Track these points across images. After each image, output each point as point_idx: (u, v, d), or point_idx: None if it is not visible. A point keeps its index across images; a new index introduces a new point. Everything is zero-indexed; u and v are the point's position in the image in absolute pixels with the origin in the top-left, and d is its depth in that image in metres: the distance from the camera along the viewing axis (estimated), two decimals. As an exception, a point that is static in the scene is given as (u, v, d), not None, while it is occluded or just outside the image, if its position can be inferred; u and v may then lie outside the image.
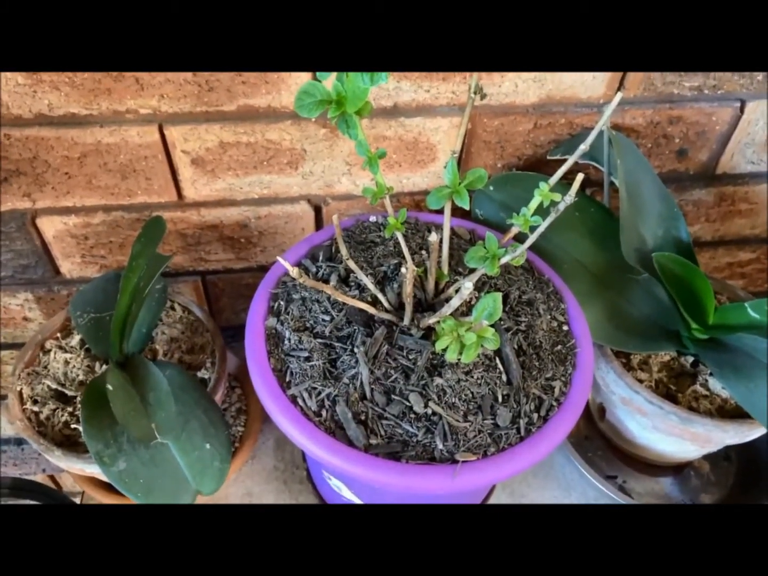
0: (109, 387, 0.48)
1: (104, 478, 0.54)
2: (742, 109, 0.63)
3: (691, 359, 0.61)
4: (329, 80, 0.40)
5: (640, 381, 0.58)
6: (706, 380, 0.59)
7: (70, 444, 0.53)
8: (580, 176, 0.40)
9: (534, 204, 0.44)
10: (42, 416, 0.55)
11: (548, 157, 0.63)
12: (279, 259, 0.39)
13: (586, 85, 0.59)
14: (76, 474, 0.62)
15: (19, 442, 0.95)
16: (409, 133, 0.61)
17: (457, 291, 0.46)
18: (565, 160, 0.42)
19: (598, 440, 0.69)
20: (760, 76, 0.61)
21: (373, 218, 0.58)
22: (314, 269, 0.53)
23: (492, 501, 0.63)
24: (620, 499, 0.62)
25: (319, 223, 0.68)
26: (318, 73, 0.40)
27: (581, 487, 0.66)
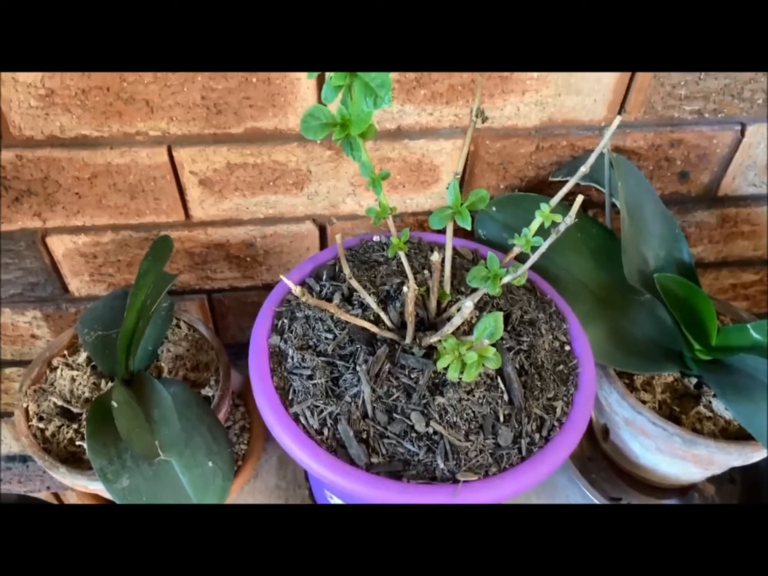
0: (114, 404, 0.48)
1: (108, 495, 0.55)
2: (742, 133, 0.64)
3: (694, 380, 0.61)
4: (334, 104, 0.40)
5: (644, 402, 0.58)
6: (710, 402, 0.59)
7: (75, 461, 0.54)
8: (579, 198, 0.41)
9: (535, 225, 0.45)
10: (47, 433, 0.55)
11: (550, 179, 0.64)
12: (282, 277, 0.40)
13: (588, 108, 0.60)
14: (80, 491, 0.62)
15: (24, 459, 0.95)
16: (412, 155, 0.62)
17: (458, 310, 0.46)
18: (566, 182, 0.43)
19: (602, 461, 0.69)
20: (760, 99, 0.62)
21: (376, 238, 0.59)
22: (318, 288, 0.53)
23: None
24: (624, 521, 0.61)
25: (323, 243, 0.69)
26: (323, 97, 0.41)
27: (585, 508, 0.66)
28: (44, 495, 0.98)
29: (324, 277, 0.54)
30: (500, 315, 0.41)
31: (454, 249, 0.59)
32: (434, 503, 0.41)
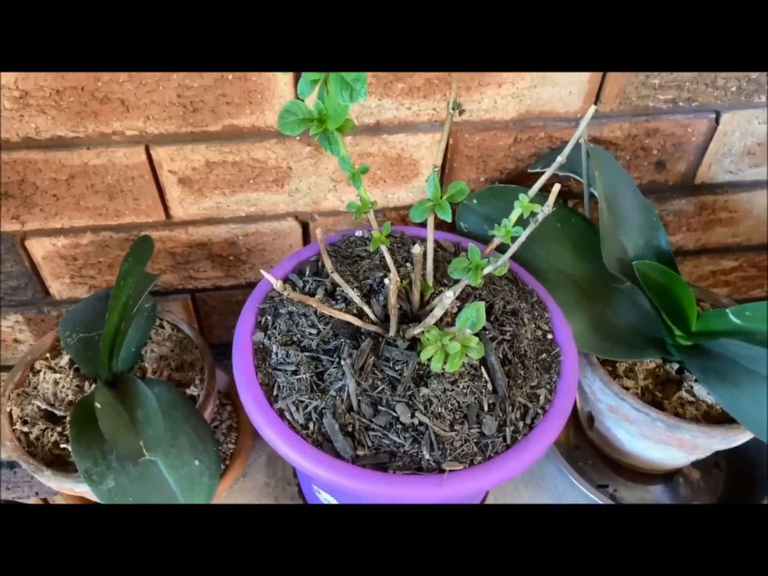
0: (98, 405, 0.48)
1: (94, 497, 0.54)
2: (717, 121, 0.65)
3: (676, 366, 0.62)
4: (311, 99, 0.40)
5: (627, 388, 0.59)
6: (692, 387, 0.60)
7: (60, 464, 0.53)
8: (556, 187, 0.41)
9: (514, 215, 0.45)
10: (32, 436, 0.55)
11: (529, 171, 0.64)
12: (263, 273, 0.40)
13: (564, 99, 0.61)
14: (67, 495, 0.62)
15: (11, 465, 0.94)
16: (392, 150, 0.62)
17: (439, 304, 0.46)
18: (545, 173, 0.43)
19: (588, 449, 0.70)
20: (733, 87, 0.63)
21: (359, 233, 0.59)
22: (301, 284, 0.53)
23: (483, 512, 0.63)
24: (611, 507, 0.62)
25: (306, 239, 0.69)
26: (299, 92, 0.41)
27: (572, 497, 0.66)
28: (33, 501, 0.97)
29: (307, 273, 0.54)
30: (482, 305, 0.41)
31: (437, 242, 0.59)
32: (421, 494, 0.41)
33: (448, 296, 0.39)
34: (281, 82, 0.55)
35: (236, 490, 0.66)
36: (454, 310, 0.50)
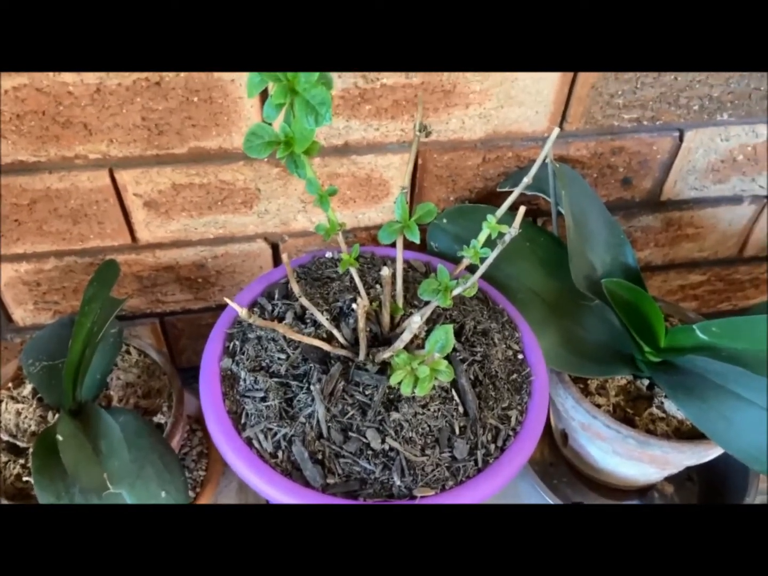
0: (59, 437, 0.46)
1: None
2: (681, 138, 0.66)
3: (646, 382, 0.62)
4: (277, 122, 0.40)
5: (598, 406, 0.59)
6: (662, 402, 0.60)
7: (23, 497, 0.52)
8: (522, 209, 0.41)
9: (483, 236, 0.45)
10: (-8, 470, 0.53)
11: (498, 189, 0.65)
12: (228, 301, 0.39)
13: (530, 119, 0.61)
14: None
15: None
16: (361, 170, 0.62)
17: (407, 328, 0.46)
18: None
19: (563, 467, 0.70)
20: (696, 106, 0.64)
21: (329, 254, 0.58)
22: (270, 307, 0.53)
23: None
24: (586, 525, 0.62)
25: (277, 260, 0.68)
26: (265, 116, 0.41)
27: (548, 514, 0.66)
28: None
29: (276, 296, 0.54)
30: (450, 328, 0.41)
31: (407, 262, 0.59)
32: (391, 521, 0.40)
33: (416, 321, 0.39)
34: (248, 104, 0.55)
35: (207, 518, 0.64)
36: (424, 333, 0.50)
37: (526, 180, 0.43)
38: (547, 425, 0.71)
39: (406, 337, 0.42)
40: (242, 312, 0.39)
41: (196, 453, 0.67)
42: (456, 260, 0.58)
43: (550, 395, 0.59)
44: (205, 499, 0.63)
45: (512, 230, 0.42)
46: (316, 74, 0.38)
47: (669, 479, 0.69)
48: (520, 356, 0.52)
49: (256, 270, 0.69)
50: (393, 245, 0.51)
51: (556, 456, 0.71)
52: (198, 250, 0.65)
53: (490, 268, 0.44)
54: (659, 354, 0.59)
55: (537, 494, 0.66)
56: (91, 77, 0.50)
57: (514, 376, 0.50)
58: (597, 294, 0.57)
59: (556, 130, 0.41)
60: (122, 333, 0.60)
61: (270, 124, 0.41)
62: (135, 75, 0.51)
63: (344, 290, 0.54)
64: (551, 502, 0.63)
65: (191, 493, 0.63)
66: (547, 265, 0.61)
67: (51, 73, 0.49)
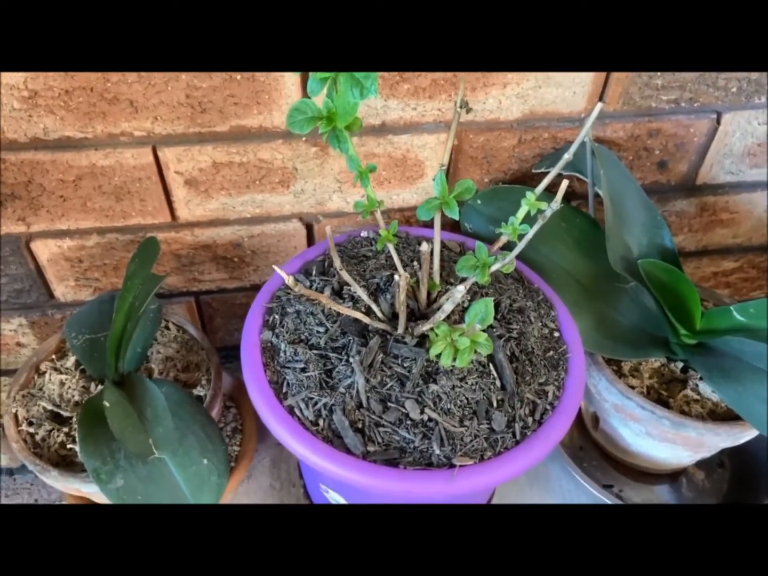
0: (106, 403, 0.48)
1: (101, 499, 0.54)
2: (718, 121, 0.66)
3: (681, 365, 0.62)
4: (320, 97, 0.41)
5: (632, 387, 0.59)
6: (697, 385, 0.60)
7: (66, 464, 0.53)
8: (564, 183, 0.42)
9: (522, 213, 0.45)
10: (38, 437, 0.54)
11: (533, 171, 0.65)
12: (275, 267, 0.40)
13: (567, 100, 0.61)
14: (72, 497, 0.62)
15: (10, 472, 0.94)
16: (397, 150, 0.62)
17: (448, 299, 0.47)
18: (549, 173, 0.44)
19: (593, 450, 0.70)
20: (734, 88, 0.63)
21: (364, 233, 0.59)
22: (308, 283, 0.54)
23: (490, 513, 0.63)
24: (617, 507, 0.62)
25: (311, 241, 0.69)
26: (309, 90, 0.41)
27: (578, 497, 0.67)
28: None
29: (314, 273, 0.55)
30: (490, 300, 0.42)
31: (442, 242, 0.59)
32: (431, 489, 0.41)
33: (460, 290, 0.39)
34: (289, 82, 0.55)
35: (241, 492, 0.65)
36: (462, 308, 0.50)
37: (567, 157, 0.43)
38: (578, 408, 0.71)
39: (447, 307, 0.42)
40: (289, 280, 0.40)
41: (230, 429, 0.68)
42: (490, 241, 0.58)
43: (583, 376, 0.59)
44: (239, 474, 0.64)
45: (554, 204, 0.42)
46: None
47: (700, 465, 0.69)
48: (556, 334, 0.52)
49: (290, 250, 0.70)
50: (427, 225, 0.52)
51: (586, 440, 0.71)
52: (235, 229, 0.66)
53: (526, 248, 0.44)
54: (695, 336, 0.58)
55: (569, 477, 0.67)
56: (138, 55, 0.51)
57: (551, 353, 0.50)
58: (633, 275, 0.57)
59: (599, 105, 0.41)
60: (162, 309, 0.61)
61: (312, 101, 0.42)
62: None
63: (380, 267, 0.54)
64: (583, 484, 0.63)
65: (227, 467, 0.64)
66: (582, 247, 0.61)
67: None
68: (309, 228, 0.68)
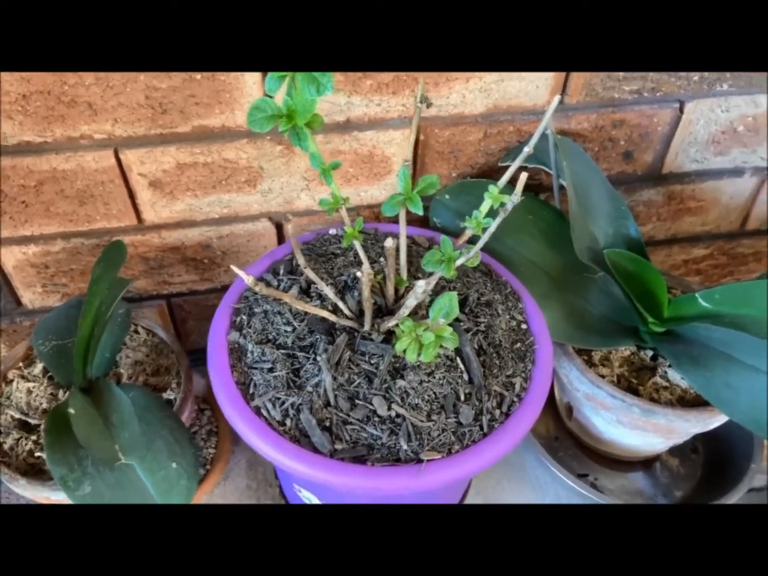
0: (71, 410, 0.47)
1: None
2: (681, 110, 0.66)
3: (650, 353, 0.63)
4: (279, 95, 0.41)
5: (602, 376, 0.59)
6: (666, 372, 0.60)
7: (35, 472, 0.53)
8: (523, 176, 0.42)
9: (485, 207, 0.45)
10: (6, 446, 0.54)
11: (500, 164, 0.65)
12: (234, 269, 0.40)
13: (531, 94, 0.61)
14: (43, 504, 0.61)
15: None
16: (363, 147, 0.62)
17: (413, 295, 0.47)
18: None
19: (568, 440, 0.70)
20: (696, 76, 0.64)
21: (332, 231, 0.59)
22: (275, 282, 0.53)
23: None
24: (593, 496, 0.62)
25: (281, 240, 0.69)
26: (267, 88, 0.41)
27: (554, 487, 0.67)
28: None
29: (281, 272, 0.54)
30: (454, 294, 0.42)
31: (411, 237, 0.59)
32: (400, 485, 0.41)
33: (420, 285, 0.39)
34: (250, 81, 0.55)
35: (217, 494, 0.65)
36: (428, 303, 0.50)
37: (527, 149, 0.43)
38: (552, 400, 0.71)
39: (410, 303, 0.42)
40: (249, 281, 0.39)
41: (205, 432, 0.68)
42: (459, 235, 0.59)
43: (554, 368, 0.59)
44: (215, 476, 0.64)
45: (514, 197, 0.42)
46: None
47: (674, 451, 0.70)
48: (523, 326, 0.52)
49: (260, 250, 0.69)
50: (396, 221, 0.52)
51: (561, 430, 0.71)
52: (203, 230, 0.65)
53: (493, 241, 0.45)
54: (663, 324, 0.59)
55: (543, 467, 0.67)
56: (94, 57, 0.51)
57: (518, 345, 0.50)
58: (600, 265, 0.57)
59: (557, 98, 0.41)
60: (130, 313, 0.61)
61: (272, 99, 0.42)
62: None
63: (348, 265, 0.54)
64: (558, 474, 0.64)
65: (201, 471, 0.64)
66: (549, 238, 0.62)
67: (54, 53, 0.50)
68: (279, 227, 0.68)
